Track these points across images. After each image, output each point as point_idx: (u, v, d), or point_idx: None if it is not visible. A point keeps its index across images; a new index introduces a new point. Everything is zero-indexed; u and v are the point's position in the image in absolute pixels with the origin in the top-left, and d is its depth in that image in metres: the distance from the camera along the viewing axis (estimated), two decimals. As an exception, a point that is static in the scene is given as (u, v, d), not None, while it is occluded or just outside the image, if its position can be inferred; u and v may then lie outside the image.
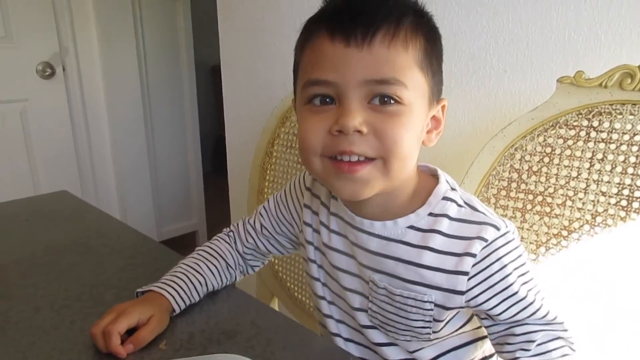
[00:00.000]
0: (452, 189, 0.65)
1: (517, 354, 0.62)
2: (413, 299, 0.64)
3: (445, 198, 0.63)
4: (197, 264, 0.77)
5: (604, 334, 0.79)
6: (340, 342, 0.75)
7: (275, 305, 1.34)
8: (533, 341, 0.61)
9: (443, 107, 0.64)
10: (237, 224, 0.85)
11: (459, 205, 0.63)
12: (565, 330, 0.64)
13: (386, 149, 0.56)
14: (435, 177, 0.66)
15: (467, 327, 0.71)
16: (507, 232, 0.61)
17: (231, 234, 0.85)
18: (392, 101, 0.55)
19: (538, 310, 0.62)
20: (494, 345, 0.67)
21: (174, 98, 2.65)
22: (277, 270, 1.32)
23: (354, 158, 0.56)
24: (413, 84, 0.56)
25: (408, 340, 0.69)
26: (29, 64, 2.10)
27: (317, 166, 0.59)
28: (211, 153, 3.98)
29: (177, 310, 0.71)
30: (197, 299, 0.75)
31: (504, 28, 1.02)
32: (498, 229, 0.60)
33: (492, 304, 0.61)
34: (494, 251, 0.60)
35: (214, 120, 4.01)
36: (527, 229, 0.85)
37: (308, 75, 0.58)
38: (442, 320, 0.65)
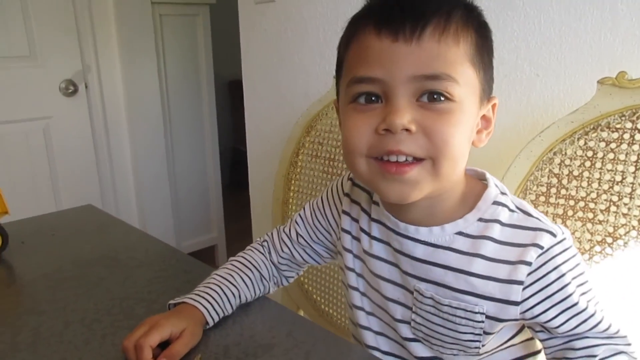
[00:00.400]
0: (503, 193, 0.62)
1: None
2: (463, 309, 0.60)
3: (495, 202, 0.60)
4: (231, 275, 0.75)
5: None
6: (378, 355, 0.72)
7: (301, 318, 1.32)
8: (594, 356, 0.58)
9: (494, 105, 0.61)
10: (272, 234, 0.83)
11: (511, 210, 0.60)
12: (629, 345, 0.60)
13: (436, 149, 0.53)
14: (483, 182, 0.64)
15: (517, 340, 0.67)
16: (564, 239, 0.57)
17: (265, 243, 0.82)
18: (442, 98, 0.53)
19: (600, 323, 0.58)
20: (546, 351, 0.63)
21: (193, 113, 2.66)
22: (303, 282, 1.29)
23: (402, 158, 0.54)
24: (464, 80, 0.54)
25: (455, 354, 0.65)
26: (53, 82, 2.12)
27: (363, 168, 0.57)
28: (228, 167, 3.99)
29: (211, 324, 0.69)
30: (230, 311, 0.72)
31: (535, 31, 1.00)
32: (554, 235, 0.57)
33: (550, 316, 0.57)
34: (551, 259, 0.56)
35: (230, 135, 4.03)
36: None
37: (353, 72, 0.56)
38: (492, 333, 0.61)
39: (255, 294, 0.77)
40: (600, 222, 0.79)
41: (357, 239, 0.72)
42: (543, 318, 0.58)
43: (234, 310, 0.73)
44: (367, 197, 0.71)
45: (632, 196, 0.75)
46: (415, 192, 0.55)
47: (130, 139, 2.44)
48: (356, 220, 0.72)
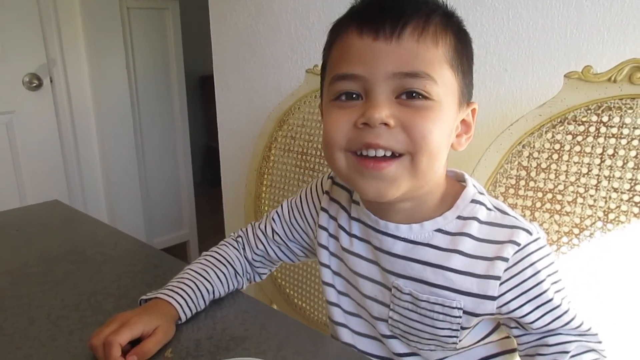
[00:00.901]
0: (480, 193, 0.63)
1: None
2: (440, 304, 0.61)
3: (474, 201, 0.61)
4: (205, 271, 0.74)
5: (620, 333, 0.77)
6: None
7: (274, 314, 1.31)
8: (567, 352, 0.58)
9: (473, 111, 0.62)
10: (246, 229, 0.82)
11: (489, 209, 0.61)
12: (600, 342, 0.61)
13: (414, 144, 0.53)
14: (461, 182, 0.65)
15: (494, 337, 0.68)
16: (539, 237, 0.59)
17: (240, 239, 0.81)
18: (420, 96, 0.54)
19: (572, 320, 0.59)
20: (522, 356, 0.64)
21: (164, 108, 2.62)
22: (277, 277, 1.29)
23: (380, 153, 0.54)
24: (442, 81, 0.54)
25: (432, 350, 0.66)
26: (15, 76, 2.06)
27: (341, 163, 0.57)
28: (200, 163, 3.95)
29: (184, 319, 0.68)
30: (203, 306, 0.72)
31: (504, 27, 1.01)
32: (530, 233, 0.58)
33: (526, 311, 0.58)
34: (527, 256, 0.57)
35: (203, 132, 3.98)
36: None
37: (335, 70, 0.57)
38: (469, 328, 0.62)
39: (228, 290, 0.76)
40: (567, 213, 0.80)
41: (335, 237, 0.72)
42: (518, 313, 0.59)
43: (206, 305, 0.72)
44: (348, 196, 0.72)
45: (598, 188, 0.77)
46: (392, 189, 0.56)
47: (98, 134, 2.39)
48: (334, 219, 0.72)
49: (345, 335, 0.72)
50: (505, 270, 0.57)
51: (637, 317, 0.75)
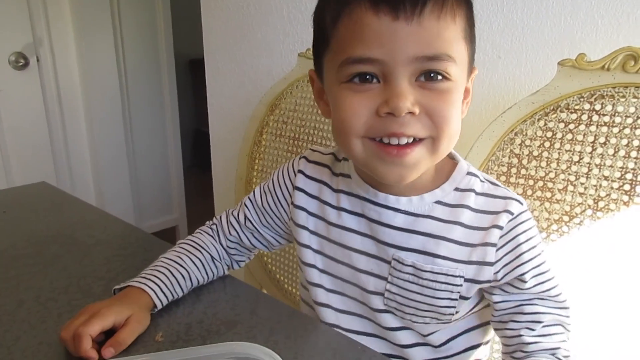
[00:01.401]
0: (470, 166, 0.65)
1: (522, 332, 0.61)
2: (444, 274, 0.62)
3: (469, 173, 0.64)
4: (180, 257, 0.72)
5: (608, 318, 0.78)
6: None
7: (264, 298, 1.31)
8: (540, 322, 0.62)
9: (473, 76, 0.62)
10: (220, 217, 0.81)
11: (482, 181, 0.64)
12: (568, 317, 0.64)
13: (438, 128, 0.54)
14: (451, 158, 0.66)
15: (476, 308, 0.69)
16: (527, 209, 0.62)
17: (214, 227, 0.80)
18: (439, 77, 0.53)
19: (554, 287, 0.62)
20: (495, 324, 0.66)
21: (153, 91, 2.59)
22: (266, 262, 1.29)
23: (404, 141, 0.53)
24: (460, 58, 0.54)
25: (426, 323, 0.66)
26: (1, 55, 2.02)
27: (358, 148, 0.56)
28: (190, 147, 3.92)
29: (159, 306, 0.66)
30: (181, 294, 0.70)
31: (498, 13, 1.01)
32: (521, 203, 0.62)
33: (520, 272, 0.60)
34: (520, 223, 0.61)
35: (192, 114, 3.95)
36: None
37: (348, 52, 0.53)
38: (468, 298, 0.64)
39: (208, 276, 0.74)
40: (557, 201, 0.81)
41: (316, 216, 0.71)
42: (512, 275, 0.61)
43: (185, 293, 0.71)
44: (328, 172, 0.71)
45: (589, 176, 0.78)
46: (413, 173, 0.56)
47: (86, 115, 2.36)
48: (315, 197, 0.71)
49: (329, 315, 0.71)
50: (501, 237, 0.60)
51: (624, 303, 0.77)
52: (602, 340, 0.79)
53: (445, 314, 0.65)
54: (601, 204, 0.77)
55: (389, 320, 0.68)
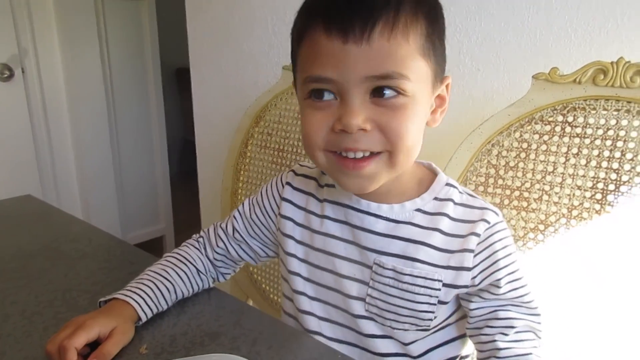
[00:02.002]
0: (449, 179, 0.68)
1: (496, 337, 0.63)
2: (423, 277, 0.64)
3: (448, 184, 0.67)
4: (165, 270, 0.73)
5: (582, 325, 0.80)
6: (321, 340, 0.74)
7: (250, 308, 1.32)
8: (513, 327, 0.64)
9: (447, 84, 0.64)
10: (208, 229, 0.82)
11: (460, 192, 0.67)
12: (540, 324, 0.66)
13: (391, 143, 0.56)
14: (432, 171, 0.70)
15: (453, 319, 0.71)
16: (503, 220, 0.66)
17: (200, 239, 0.81)
18: (390, 93, 0.54)
19: (527, 294, 0.65)
20: (470, 331, 0.68)
21: (139, 100, 2.59)
22: (252, 272, 1.30)
23: (359, 154, 0.57)
24: (416, 74, 0.55)
25: (405, 330, 0.68)
26: (-15, 66, 2.02)
27: (322, 160, 0.60)
28: (177, 157, 3.92)
29: (144, 319, 0.67)
30: (166, 306, 0.71)
31: (477, 27, 1.04)
32: (497, 214, 0.65)
33: (495, 278, 0.63)
34: (496, 232, 0.64)
35: (179, 123, 3.95)
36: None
37: (307, 71, 0.57)
38: (446, 303, 0.66)
39: (193, 289, 0.76)
40: (533, 210, 0.83)
41: (302, 226, 0.73)
42: (488, 281, 0.63)
43: (169, 306, 0.72)
44: (314, 184, 0.74)
45: (562, 186, 0.80)
46: (373, 184, 0.60)
47: (71, 126, 2.35)
48: (302, 208, 0.73)
49: (312, 323, 0.73)
50: (478, 244, 0.63)
51: (597, 307, 0.79)
52: (575, 346, 0.81)
53: (424, 319, 0.66)
54: (574, 212, 0.79)
55: (370, 327, 0.69)
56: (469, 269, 0.63)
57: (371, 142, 0.56)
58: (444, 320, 0.70)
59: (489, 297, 0.65)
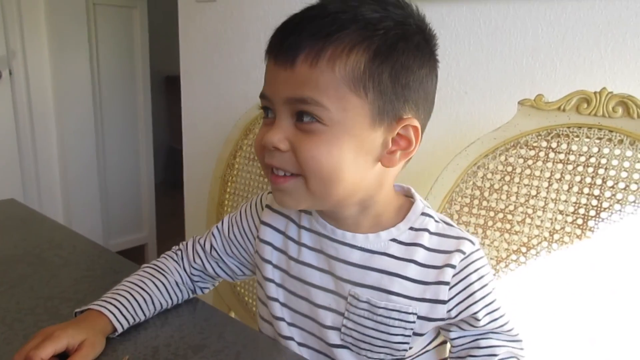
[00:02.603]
0: (426, 206, 0.67)
1: None
2: (397, 310, 0.64)
3: (423, 214, 0.66)
4: (142, 281, 0.73)
5: (563, 347, 0.82)
6: None
7: (232, 320, 1.32)
8: (495, 355, 0.64)
9: (414, 127, 0.59)
10: (187, 243, 0.82)
11: (436, 221, 0.66)
12: (522, 349, 0.67)
13: (303, 167, 0.57)
14: (408, 197, 0.69)
15: (431, 346, 0.71)
16: (479, 248, 0.64)
17: (179, 252, 0.81)
18: (308, 119, 0.56)
19: (506, 323, 0.65)
20: (453, 349, 0.68)
21: (127, 107, 2.59)
22: (235, 284, 1.29)
23: (279, 172, 0.60)
24: (339, 104, 0.55)
25: (381, 359, 0.68)
26: (-28, 66, 2.00)
27: (265, 172, 0.64)
28: (163, 164, 3.90)
29: (120, 330, 0.66)
30: (143, 317, 0.70)
31: (465, 51, 1.06)
32: (473, 243, 0.64)
33: (473, 311, 0.63)
34: (472, 263, 0.63)
35: (166, 131, 3.94)
36: (488, 245, 0.87)
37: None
38: (422, 335, 0.65)
39: (172, 300, 0.75)
40: (516, 232, 0.85)
41: (280, 250, 0.72)
42: (466, 314, 0.63)
43: (147, 317, 0.71)
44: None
45: (545, 209, 0.82)
46: (292, 201, 0.62)
47: (57, 130, 2.33)
48: (281, 232, 0.73)
49: (293, 348, 0.72)
50: (454, 275, 0.62)
51: (577, 329, 0.80)
52: (556, 368, 0.83)
53: (399, 350, 0.66)
54: (556, 236, 0.81)
55: (346, 357, 0.69)
56: (444, 302, 0.63)
57: (284, 162, 0.58)
58: (422, 349, 0.70)
59: (468, 328, 0.65)
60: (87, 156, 2.43)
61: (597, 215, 0.78)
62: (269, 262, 0.73)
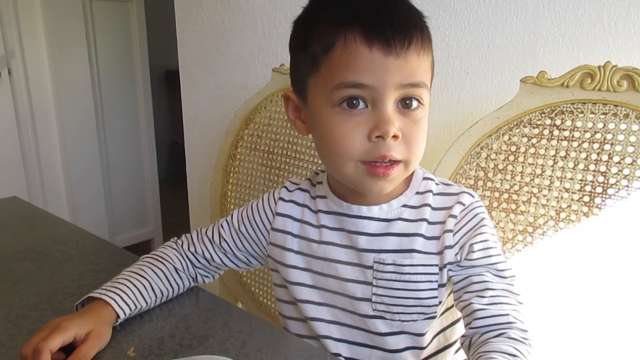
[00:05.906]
0: (425, 172, 0.74)
1: (472, 300, 0.63)
2: (422, 264, 0.68)
3: (425, 178, 0.72)
4: (141, 269, 0.74)
5: (570, 326, 0.81)
6: (330, 344, 0.74)
7: (239, 311, 1.31)
8: (489, 289, 0.64)
9: None
10: (190, 235, 0.82)
11: (436, 183, 0.72)
12: (518, 295, 0.65)
13: (411, 153, 0.62)
14: None
15: (451, 301, 0.72)
16: (479, 200, 0.71)
17: (179, 242, 0.81)
18: (415, 104, 0.61)
19: (501, 262, 0.66)
20: (454, 302, 0.68)
21: (128, 103, 2.58)
22: (242, 275, 1.29)
23: (389, 162, 0.61)
24: (429, 85, 0.64)
25: (414, 320, 0.70)
26: (-29, 66, 2.00)
27: (350, 170, 0.63)
28: (166, 159, 3.90)
29: (122, 316, 0.66)
30: (145, 305, 0.70)
31: (465, 31, 1.04)
32: (472, 196, 0.70)
33: (469, 243, 0.66)
34: (471, 210, 0.69)
35: (168, 126, 3.93)
36: (494, 226, 0.86)
37: (342, 77, 0.59)
38: (444, 285, 0.68)
39: (172, 287, 0.75)
40: (522, 212, 0.84)
41: (300, 237, 0.75)
42: (465, 248, 0.66)
43: (149, 304, 0.71)
44: (308, 195, 0.77)
45: (550, 188, 0.81)
46: (391, 186, 0.66)
47: (59, 128, 2.33)
48: (297, 220, 0.76)
49: (321, 328, 0.74)
50: (455, 224, 0.68)
51: (585, 308, 0.79)
52: (565, 347, 0.82)
53: (430, 306, 0.69)
54: (562, 215, 0.80)
55: (379, 326, 0.71)
56: (451, 247, 0.67)
57: (398, 150, 0.61)
58: (450, 306, 0.73)
59: (465, 265, 0.67)
60: (89, 154, 2.43)
61: (604, 192, 0.77)
62: (290, 250, 0.76)
